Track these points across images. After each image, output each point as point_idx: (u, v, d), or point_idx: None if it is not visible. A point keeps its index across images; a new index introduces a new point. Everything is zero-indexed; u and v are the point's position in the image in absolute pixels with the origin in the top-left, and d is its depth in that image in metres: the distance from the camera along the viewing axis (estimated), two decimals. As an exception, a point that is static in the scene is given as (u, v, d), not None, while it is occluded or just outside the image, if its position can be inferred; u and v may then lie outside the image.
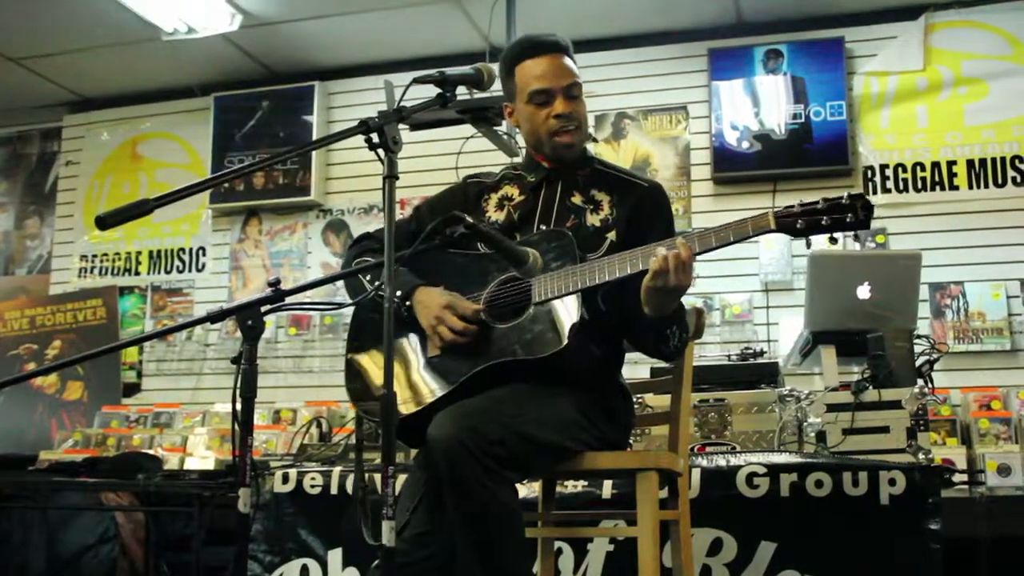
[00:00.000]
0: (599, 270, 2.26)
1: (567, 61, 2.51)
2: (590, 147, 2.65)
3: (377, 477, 3.10)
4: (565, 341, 2.23)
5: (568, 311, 2.28)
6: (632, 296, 2.32)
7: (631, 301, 2.34)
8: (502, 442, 2.09)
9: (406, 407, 2.34)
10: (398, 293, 2.40)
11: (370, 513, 2.43)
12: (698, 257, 2.22)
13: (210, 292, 6.07)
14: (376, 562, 2.02)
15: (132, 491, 4.12)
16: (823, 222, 2.11)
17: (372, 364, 2.49)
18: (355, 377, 2.51)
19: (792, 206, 2.15)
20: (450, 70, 2.16)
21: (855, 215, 2.10)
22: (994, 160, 4.99)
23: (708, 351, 4.61)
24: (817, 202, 2.13)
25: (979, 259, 4.90)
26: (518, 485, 2.23)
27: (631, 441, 3.00)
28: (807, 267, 3.60)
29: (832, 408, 3.27)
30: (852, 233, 2.15)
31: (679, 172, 5.39)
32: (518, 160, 2.73)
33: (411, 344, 2.46)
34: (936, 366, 3.74)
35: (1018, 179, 4.95)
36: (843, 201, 2.11)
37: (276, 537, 3.46)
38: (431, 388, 2.36)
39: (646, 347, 2.51)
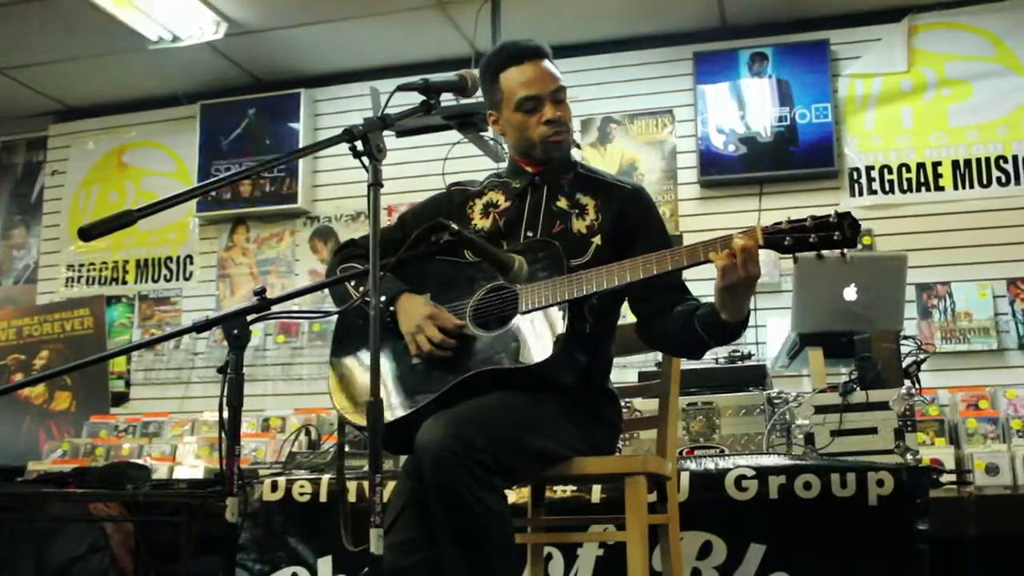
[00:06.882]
0: (585, 282, 2.26)
1: (550, 66, 2.51)
2: (576, 154, 2.65)
3: (365, 484, 3.10)
4: (550, 351, 2.23)
5: (554, 321, 2.28)
6: (656, 300, 2.37)
7: (661, 306, 2.38)
8: (490, 448, 2.09)
9: (390, 413, 2.34)
10: (383, 298, 2.40)
11: (350, 518, 2.43)
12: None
13: (198, 300, 6.06)
14: (365, 570, 2.02)
15: (121, 501, 4.10)
16: (811, 239, 2.10)
17: (357, 370, 2.48)
18: (340, 384, 2.50)
19: (780, 223, 2.14)
20: (434, 77, 2.16)
21: (842, 233, 2.09)
22: (979, 161, 5.01)
23: (696, 354, 4.60)
24: (805, 220, 2.12)
25: (965, 259, 4.92)
26: (507, 491, 2.22)
27: (619, 445, 3.00)
28: (793, 269, 3.61)
29: (820, 410, 3.27)
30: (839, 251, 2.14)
31: (665, 176, 5.40)
32: (502, 167, 2.73)
33: (396, 350, 2.45)
34: (923, 366, 3.76)
35: (1003, 179, 4.97)
36: (831, 219, 2.10)
37: (265, 545, 3.45)
38: (416, 395, 2.36)
39: (693, 350, 2.46)
